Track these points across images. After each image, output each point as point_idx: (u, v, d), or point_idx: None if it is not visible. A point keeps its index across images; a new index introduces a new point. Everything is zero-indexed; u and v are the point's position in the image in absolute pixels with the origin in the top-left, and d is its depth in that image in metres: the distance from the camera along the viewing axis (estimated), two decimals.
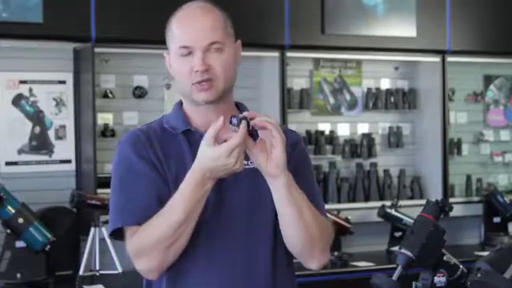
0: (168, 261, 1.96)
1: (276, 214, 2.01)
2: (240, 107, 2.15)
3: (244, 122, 1.88)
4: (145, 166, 2.00)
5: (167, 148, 2.05)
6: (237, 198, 2.02)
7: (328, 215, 2.21)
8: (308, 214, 1.98)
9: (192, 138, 2.05)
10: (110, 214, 2.03)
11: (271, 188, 1.96)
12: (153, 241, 1.93)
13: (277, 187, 1.95)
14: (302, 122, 5.48)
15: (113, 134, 4.94)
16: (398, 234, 5.36)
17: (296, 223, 1.97)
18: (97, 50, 4.69)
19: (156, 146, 2.04)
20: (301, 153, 2.12)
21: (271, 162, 1.91)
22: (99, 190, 4.61)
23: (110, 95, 4.98)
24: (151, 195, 1.97)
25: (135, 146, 2.03)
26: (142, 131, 2.08)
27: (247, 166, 1.98)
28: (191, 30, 2.01)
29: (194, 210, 1.91)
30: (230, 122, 1.90)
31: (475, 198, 5.92)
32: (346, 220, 5.14)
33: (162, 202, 1.95)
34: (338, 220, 5.04)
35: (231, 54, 2.05)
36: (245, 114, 1.93)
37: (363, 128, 5.75)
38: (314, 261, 2.05)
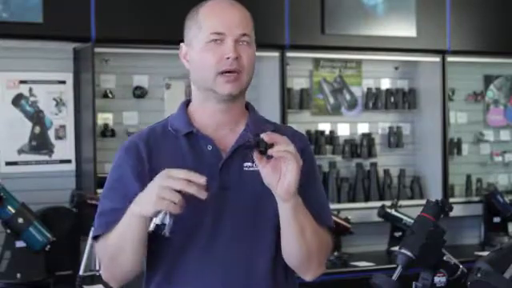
0: (118, 275, 2.00)
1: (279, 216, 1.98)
2: (249, 107, 2.13)
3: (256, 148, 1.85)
4: (129, 179, 2.00)
5: (165, 153, 2.03)
6: (239, 199, 2.01)
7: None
8: (310, 232, 1.97)
9: (193, 139, 2.04)
10: None
11: (278, 205, 1.94)
12: (101, 254, 2.01)
13: (283, 208, 1.93)
14: (301, 122, 5.47)
15: (113, 134, 4.94)
16: (398, 234, 5.36)
17: (296, 241, 1.97)
18: (97, 50, 4.69)
19: (152, 155, 2.02)
20: (308, 160, 2.06)
21: (282, 186, 1.88)
22: (99, 190, 4.60)
23: (109, 95, 4.98)
24: (121, 211, 1.93)
25: (130, 156, 2.03)
26: (141, 138, 2.06)
27: (252, 168, 1.97)
28: (225, 17, 2.01)
29: (124, 234, 1.91)
30: (244, 146, 1.86)
31: (475, 198, 5.91)
32: (346, 220, 5.14)
33: None
34: (338, 220, 5.03)
35: (255, 51, 2.06)
36: (264, 136, 1.86)
37: (363, 128, 5.74)
38: (309, 273, 2.05)
